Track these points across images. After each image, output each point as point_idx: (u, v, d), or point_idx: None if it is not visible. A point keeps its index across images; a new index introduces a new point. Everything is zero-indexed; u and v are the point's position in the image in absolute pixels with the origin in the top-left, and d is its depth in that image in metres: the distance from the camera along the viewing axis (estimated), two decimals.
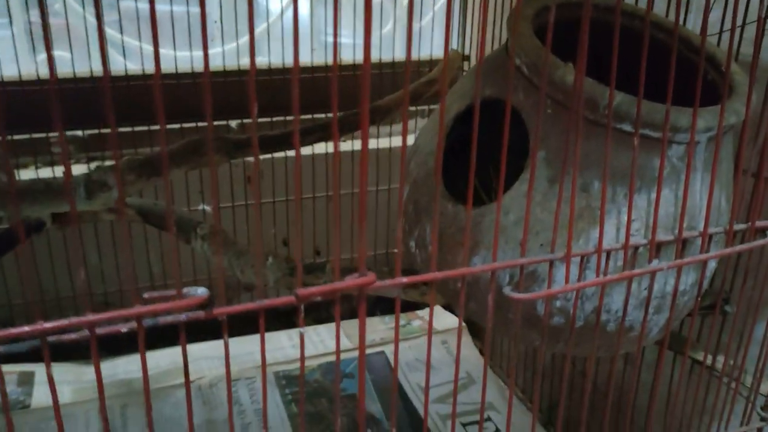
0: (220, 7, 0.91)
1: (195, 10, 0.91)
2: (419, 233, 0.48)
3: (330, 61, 0.94)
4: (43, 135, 0.88)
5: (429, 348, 0.36)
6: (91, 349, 0.27)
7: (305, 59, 0.94)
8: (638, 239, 0.38)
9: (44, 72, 0.84)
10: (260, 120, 0.92)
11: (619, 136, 0.39)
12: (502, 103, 0.33)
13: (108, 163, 0.90)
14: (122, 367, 0.84)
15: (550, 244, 0.35)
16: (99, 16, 0.23)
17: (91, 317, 0.27)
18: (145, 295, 0.28)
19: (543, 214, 0.40)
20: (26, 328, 0.26)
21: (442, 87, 0.29)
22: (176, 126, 0.90)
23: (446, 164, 0.52)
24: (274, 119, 0.92)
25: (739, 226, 0.39)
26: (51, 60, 0.23)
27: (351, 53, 0.95)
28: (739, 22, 0.49)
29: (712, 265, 0.44)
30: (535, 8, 0.45)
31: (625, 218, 0.38)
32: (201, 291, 0.30)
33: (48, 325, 0.26)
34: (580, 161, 0.39)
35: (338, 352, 0.33)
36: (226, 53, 0.98)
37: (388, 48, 0.94)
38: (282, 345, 0.91)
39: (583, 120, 0.39)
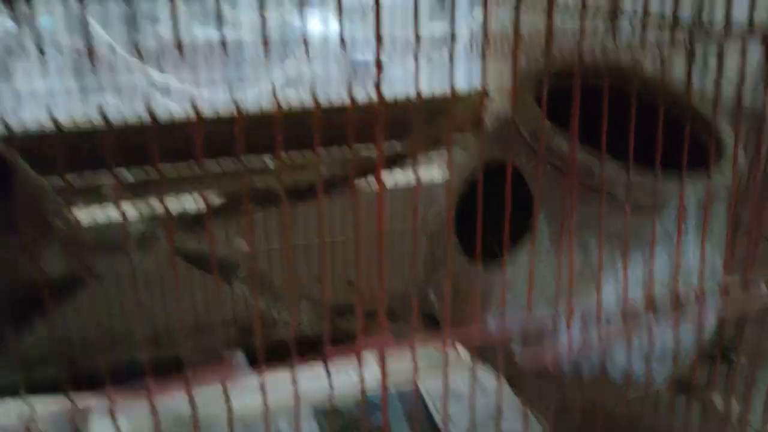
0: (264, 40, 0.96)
1: (232, 37, 0.95)
2: (436, 283, 0.52)
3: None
4: (93, 177, 0.94)
5: (446, 384, 0.39)
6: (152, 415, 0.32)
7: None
8: (635, 298, 0.41)
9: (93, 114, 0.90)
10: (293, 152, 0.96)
11: (614, 201, 0.42)
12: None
13: (155, 207, 0.96)
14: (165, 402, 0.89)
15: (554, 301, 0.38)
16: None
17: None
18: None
19: (547, 271, 0.44)
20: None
21: (448, 150, 0.33)
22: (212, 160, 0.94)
23: (461, 219, 0.56)
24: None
25: (732, 282, 0.41)
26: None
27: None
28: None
29: (711, 320, 0.46)
30: (537, 79, 0.48)
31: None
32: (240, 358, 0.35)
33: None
34: (578, 224, 0.42)
35: (363, 395, 0.37)
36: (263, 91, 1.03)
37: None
38: (319, 375, 0.95)
39: (579, 186, 0.42)
